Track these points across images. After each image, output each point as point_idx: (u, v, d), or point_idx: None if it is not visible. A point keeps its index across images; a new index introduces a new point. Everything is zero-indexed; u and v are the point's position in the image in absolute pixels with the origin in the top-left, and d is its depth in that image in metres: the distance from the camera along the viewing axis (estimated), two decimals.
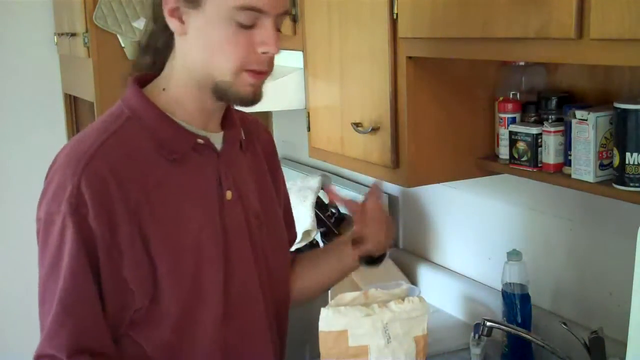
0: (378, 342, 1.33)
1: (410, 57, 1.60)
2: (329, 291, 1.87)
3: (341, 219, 2.13)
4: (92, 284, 1.17)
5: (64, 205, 1.16)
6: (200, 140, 1.26)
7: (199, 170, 1.27)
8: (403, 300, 1.37)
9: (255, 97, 1.24)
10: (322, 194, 2.09)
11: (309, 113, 2.04)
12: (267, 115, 3.14)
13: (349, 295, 1.47)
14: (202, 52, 1.20)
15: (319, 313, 1.43)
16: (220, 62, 1.19)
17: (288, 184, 2.20)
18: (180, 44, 1.23)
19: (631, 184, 1.34)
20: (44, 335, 1.19)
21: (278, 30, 1.22)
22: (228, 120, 1.33)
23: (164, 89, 1.26)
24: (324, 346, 1.35)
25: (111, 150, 1.19)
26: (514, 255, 1.74)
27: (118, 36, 2.75)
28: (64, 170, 1.18)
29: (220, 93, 1.23)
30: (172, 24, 1.21)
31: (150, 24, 1.28)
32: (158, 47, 1.28)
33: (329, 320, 1.38)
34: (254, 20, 1.18)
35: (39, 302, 1.21)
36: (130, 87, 1.27)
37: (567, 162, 1.49)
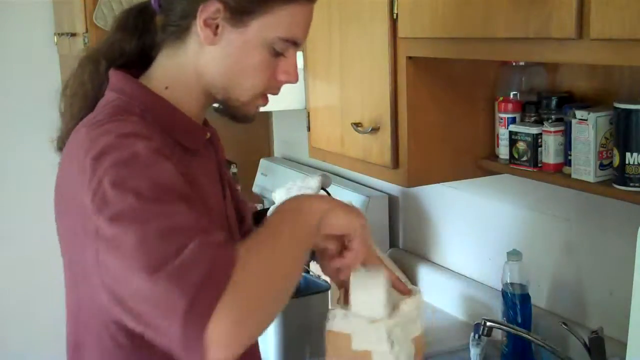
0: (382, 349, 1.33)
1: (410, 57, 1.60)
2: (329, 291, 1.87)
3: None
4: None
5: (141, 146, 1.06)
6: (208, 135, 1.27)
7: (207, 166, 1.27)
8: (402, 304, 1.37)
9: (254, 117, 1.26)
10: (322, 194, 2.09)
11: (309, 113, 2.04)
12: (267, 115, 3.15)
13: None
14: (227, 68, 1.19)
15: (318, 314, 1.44)
16: (246, 83, 1.19)
17: (288, 184, 2.20)
18: (200, 52, 1.19)
19: (631, 184, 1.34)
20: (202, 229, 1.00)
21: None
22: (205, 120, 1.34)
23: (166, 88, 1.22)
24: (331, 346, 1.35)
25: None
26: (514, 255, 1.74)
27: None
28: (116, 124, 1.10)
29: (226, 107, 1.23)
30: (204, 32, 1.16)
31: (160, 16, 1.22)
32: (155, 40, 1.24)
33: (337, 321, 1.38)
34: (285, 50, 1.19)
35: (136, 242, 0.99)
36: (129, 80, 1.22)
37: (567, 162, 1.49)
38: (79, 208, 1.08)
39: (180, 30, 1.20)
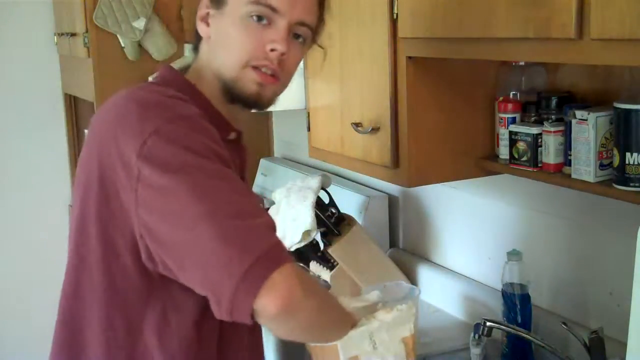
0: (366, 350, 1.34)
1: (410, 57, 1.60)
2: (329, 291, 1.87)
3: (341, 219, 2.13)
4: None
5: (188, 110, 1.12)
6: (233, 135, 1.29)
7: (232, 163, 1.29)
8: (391, 309, 1.37)
9: (260, 98, 1.25)
10: (322, 194, 2.09)
11: (309, 113, 2.04)
12: (267, 115, 3.14)
13: None
14: (219, 51, 1.24)
15: None
16: (229, 55, 1.22)
17: (288, 184, 2.20)
18: (205, 48, 1.27)
19: (631, 184, 1.34)
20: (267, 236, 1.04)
21: (298, 40, 1.25)
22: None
23: (194, 84, 1.27)
24: (316, 359, 1.36)
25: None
26: (514, 255, 1.73)
27: (118, 36, 2.76)
28: (157, 88, 1.18)
29: (229, 91, 1.24)
30: (201, 28, 1.26)
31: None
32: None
33: None
34: (268, 18, 1.21)
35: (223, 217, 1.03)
36: (170, 69, 1.28)
37: (567, 162, 1.49)
38: (114, 154, 1.10)
39: (195, 37, 1.29)
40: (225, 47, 1.22)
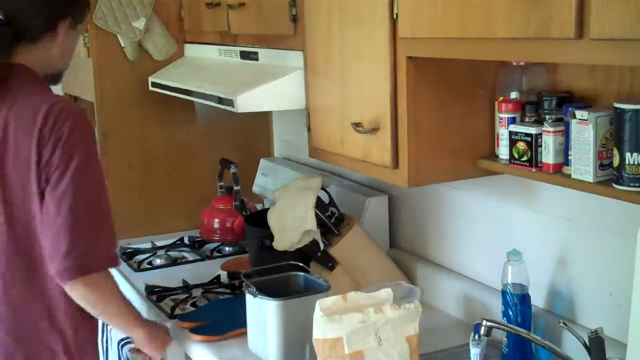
0: (370, 345, 1.34)
1: (410, 57, 1.60)
2: (329, 292, 1.87)
3: (341, 219, 2.13)
4: None
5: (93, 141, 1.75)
6: None
7: None
8: (399, 307, 1.38)
9: None
10: (322, 194, 2.09)
11: (309, 113, 2.04)
12: (267, 115, 3.15)
13: (329, 300, 1.47)
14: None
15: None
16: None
17: (288, 184, 2.21)
18: (52, 47, 1.85)
19: (631, 184, 1.34)
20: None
21: None
22: None
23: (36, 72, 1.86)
24: (320, 353, 1.36)
25: None
26: (514, 255, 1.73)
27: (118, 36, 2.76)
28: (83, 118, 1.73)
29: (59, 76, 1.95)
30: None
31: None
32: None
33: (323, 328, 1.38)
34: None
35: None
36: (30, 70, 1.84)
37: (567, 162, 1.49)
38: None
39: (41, 34, 1.76)
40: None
